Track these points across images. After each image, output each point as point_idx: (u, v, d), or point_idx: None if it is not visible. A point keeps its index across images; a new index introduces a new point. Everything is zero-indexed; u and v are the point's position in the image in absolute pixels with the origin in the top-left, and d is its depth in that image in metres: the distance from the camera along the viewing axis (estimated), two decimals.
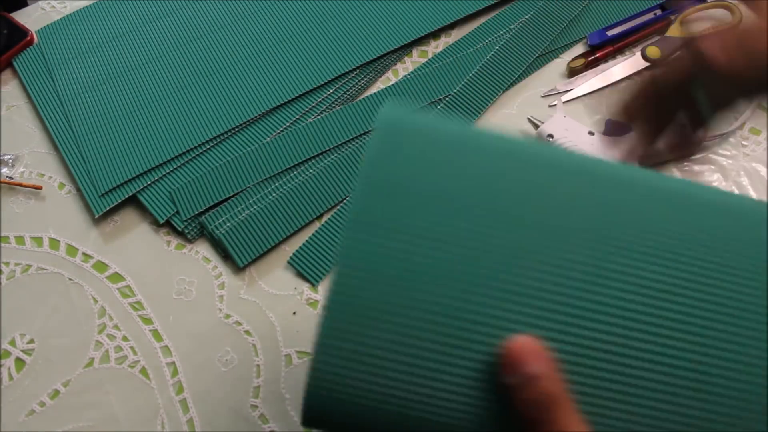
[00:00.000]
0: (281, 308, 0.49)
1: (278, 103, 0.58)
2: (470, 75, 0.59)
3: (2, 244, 0.54)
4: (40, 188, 0.56)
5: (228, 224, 0.52)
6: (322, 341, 0.24)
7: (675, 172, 0.54)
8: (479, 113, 0.57)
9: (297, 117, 0.58)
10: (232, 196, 0.53)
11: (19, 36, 0.65)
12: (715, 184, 0.53)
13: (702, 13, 0.63)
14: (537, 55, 0.61)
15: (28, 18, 0.68)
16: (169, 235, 0.53)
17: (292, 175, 0.55)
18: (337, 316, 0.24)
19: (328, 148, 0.56)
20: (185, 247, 0.53)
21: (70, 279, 0.52)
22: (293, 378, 0.47)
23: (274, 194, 0.53)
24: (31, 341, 0.49)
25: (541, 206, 0.24)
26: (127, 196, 0.54)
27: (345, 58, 0.61)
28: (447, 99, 0.58)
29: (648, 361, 0.23)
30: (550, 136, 0.53)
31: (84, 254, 0.53)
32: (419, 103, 0.58)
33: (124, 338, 0.49)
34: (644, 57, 0.59)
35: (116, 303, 0.50)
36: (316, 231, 0.52)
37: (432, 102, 0.58)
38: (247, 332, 0.49)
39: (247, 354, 0.48)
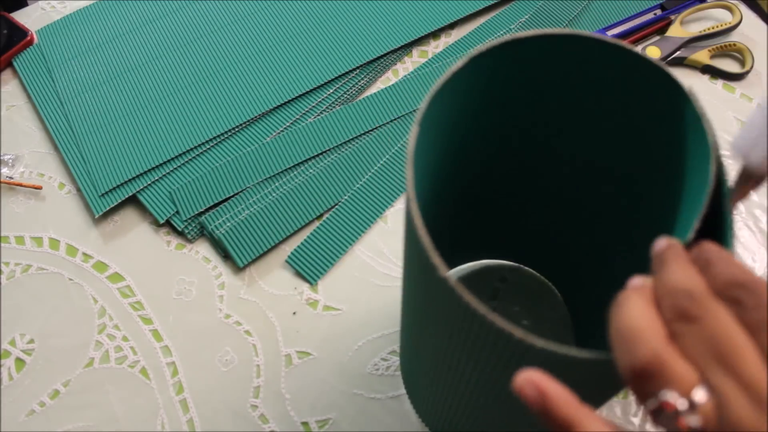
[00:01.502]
0: (281, 308, 0.49)
1: (278, 103, 0.58)
2: None
3: (2, 244, 0.54)
4: (40, 188, 0.56)
5: (228, 224, 0.52)
6: None
7: None
8: None
9: (297, 117, 0.58)
10: (232, 196, 0.53)
11: (19, 36, 0.65)
12: None
13: (702, 13, 0.63)
14: None
15: (28, 18, 0.68)
16: (169, 235, 0.53)
17: (292, 175, 0.55)
18: None
19: (328, 148, 0.56)
20: (185, 247, 0.53)
21: (70, 279, 0.52)
22: (293, 378, 0.47)
23: (274, 194, 0.53)
24: (31, 341, 0.49)
25: None
26: (127, 196, 0.54)
27: (345, 58, 0.61)
28: None
29: None
30: None
31: (84, 254, 0.53)
32: (419, 103, 0.58)
33: (124, 338, 0.49)
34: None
35: (116, 303, 0.50)
36: (314, 230, 0.52)
37: None
38: (247, 332, 0.49)
39: (247, 354, 0.48)
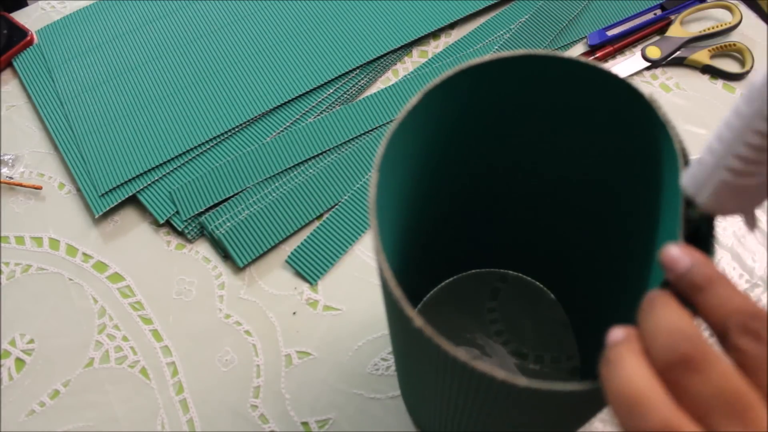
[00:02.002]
0: (281, 308, 0.49)
1: (278, 103, 0.58)
2: None
3: (2, 244, 0.54)
4: (40, 188, 0.56)
5: (228, 224, 0.52)
6: None
7: None
8: None
9: (297, 117, 0.58)
10: (232, 196, 0.53)
11: (19, 36, 0.65)
12: None
13: (702, 13, 0.63)
14: None
15: (28, 18, 0.68)
16: (169, 235, 0.53)
17: (292, 175, 0.55)
18: None
19: (328, 148, 0.56)
20: (185, 247, 0.53)
21: (70, 279, 0.52)
22: (293, 378, 0.47)
23: (274, 194, 0.53)
24: (31, 341, 0.49)
25: None
26: (127, 196, 0.54)
27: (345, 58, 0.61)
28: None
29: None
30: None
31: (84, 254, 0.53)
32: None
33: (124, 338, 0.49)
34: (644, 57, 0.59)
35: (116, 303, 0.50)
36: (314, 230, 0.52)
37: None
38: (247, 332, 0.49)
39: (247, 354, 0.48)
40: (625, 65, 0.59)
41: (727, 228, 0.51)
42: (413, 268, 0.39)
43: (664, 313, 0.21)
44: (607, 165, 0.33)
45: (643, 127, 0.28)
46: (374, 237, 0.25)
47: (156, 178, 0.55)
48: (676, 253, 0.22)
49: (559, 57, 0.28)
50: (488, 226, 0.43)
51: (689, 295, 0.22)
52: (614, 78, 0.28)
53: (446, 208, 0.40)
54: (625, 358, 0.21)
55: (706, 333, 0.21)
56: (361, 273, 0.51)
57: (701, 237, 0.25)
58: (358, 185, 0.54)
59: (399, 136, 0.28)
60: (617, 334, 0.22)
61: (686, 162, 0.25)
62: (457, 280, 0.49)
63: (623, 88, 0.28)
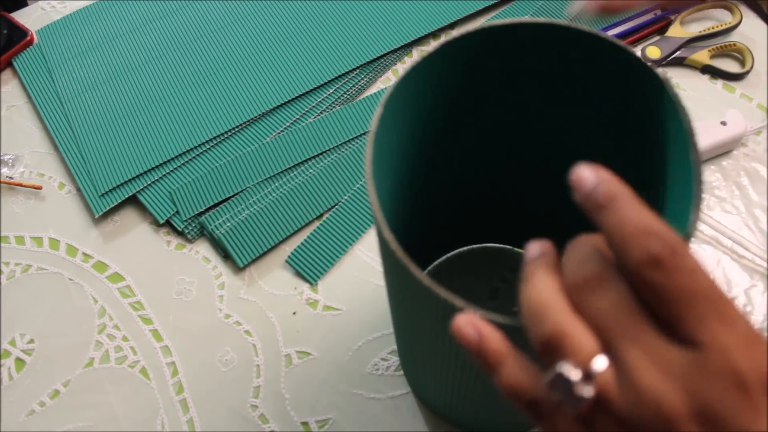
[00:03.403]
0: (281, 308, 0.49)
1: (278, 103, 0.58)
2: None
3: (2, 244, 0.54)
4: (40, 188, 0.56)
5: (228, 224, 0.52)
6: None
7: None
8: None
9: (297, 117, 0.58)
10: (232, 196, 0.53)
11: (19, 36, 0.65)
12: (714, 184, 0.53)
13: (702, 13, 0.63)
14: None
15: (28, 18, 0.68)
16: (169, 235, 0.53)
17: (292, 175, 0.55)
18: None
19: (328, 148, 0.56)
20: (185, 247, 0.53)
21: (70, 279, 0.52)
22: (293, 378, 0.47)
23: (274, 194, 0.53)
24: (31, 341, 0.49)
25: None
26: (127, 196, 0.54)
27: (345, 58, 0.61)
28: None
29: None
30: None
31: (84, 254, 0.53)
32: None
33: (124, 338, 0.49)
34: (644, 57, 0.59)
35: (116, 303, 0.50)
36: (314, 230, 0.52)
37: None
38: (247, 332, 0.49)
39: (247, 354, 0.48)
40: None
41: (726, 228, 0.51)
42: (419, 239, 0.38)
43: (582, 239, 0.22)
44: (613, 141, 0.32)
45: (650, 104, 0.28)
46: (368, 166, 0.26)
47: (156, 178, 0.55)
48: (585, 173, 0.21)
49: (575, 28, 0.28)
50: (495, 199, 0.42)
51: (593, 215, 0.21)
52: (623, 50, 0.28)
53: (452, 177, 0.39)
54: (537, 273, 0.22)
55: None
56: (361, 273, 0.51)
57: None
58: (358, 185, 0.54)
59: (402, 90, 0.28)
60: (534, 249, 0.23)
61: (694, 143, 0.25)
62: (457, 280, 0.49)
63: (635, 63, 0.27)
